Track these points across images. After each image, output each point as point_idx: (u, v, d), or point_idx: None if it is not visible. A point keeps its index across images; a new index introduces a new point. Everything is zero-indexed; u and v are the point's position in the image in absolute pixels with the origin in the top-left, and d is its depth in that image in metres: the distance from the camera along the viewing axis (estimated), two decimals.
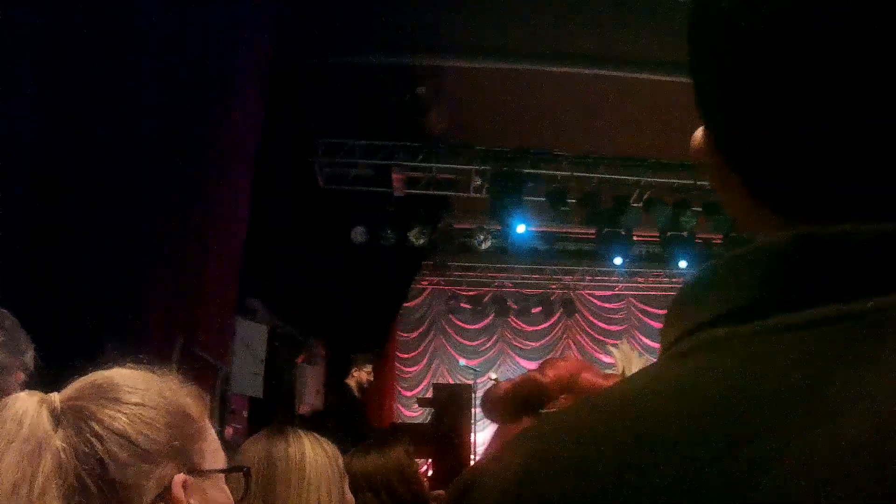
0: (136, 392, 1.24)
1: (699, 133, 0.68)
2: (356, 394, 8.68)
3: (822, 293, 0.53)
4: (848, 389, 0.48)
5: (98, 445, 1.16)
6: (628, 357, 1.81)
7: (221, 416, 6.11)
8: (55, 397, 1.22)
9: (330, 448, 2.40)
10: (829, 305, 0.52)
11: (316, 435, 2.44)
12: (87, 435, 1.16)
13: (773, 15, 0.58)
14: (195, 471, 1.24)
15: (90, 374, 1.27)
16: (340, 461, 2.42)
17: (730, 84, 0.61)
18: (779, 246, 0.56)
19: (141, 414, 1.21)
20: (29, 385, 2.18)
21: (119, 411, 1.20)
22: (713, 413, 0.50)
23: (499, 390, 1.83)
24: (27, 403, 1.19)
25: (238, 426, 6.57)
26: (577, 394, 1.80)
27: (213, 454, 1.30)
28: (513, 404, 1.77)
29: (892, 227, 0.54)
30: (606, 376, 1.88)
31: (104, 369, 1.28)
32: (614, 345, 1.82)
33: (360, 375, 8.85)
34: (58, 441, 1.15)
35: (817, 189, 0.59)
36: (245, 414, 6.89)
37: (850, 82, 0.56)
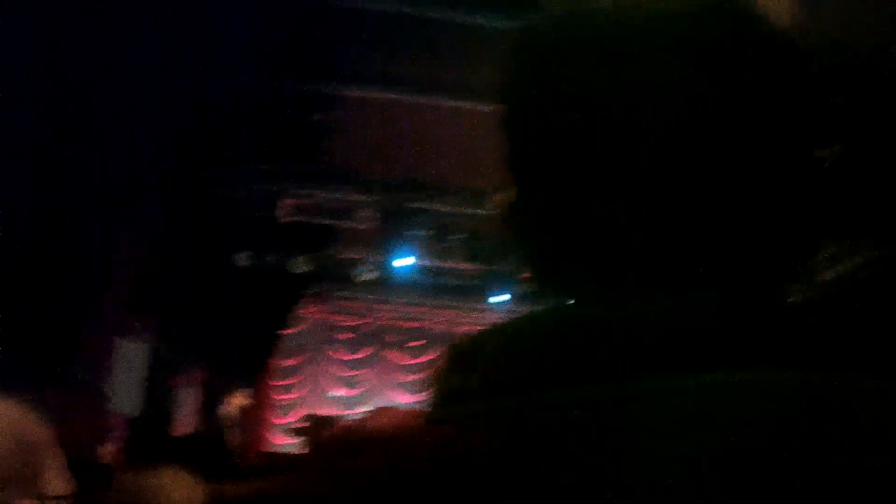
0: None
1: None
2: (230, 419, 8.58)
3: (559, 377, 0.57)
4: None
5: None
6: None
7: (100, 435, 6.00)
8: None
9: (193, 484, 2.42)
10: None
11: (183, 470, 2.45)
12: None
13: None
14: (41, 497, 1.23)
15: None
16: (200, 493, 2.43)
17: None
18: (527, 328, 0.62)
19: None
20: None
21: None
22: None
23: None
24: None
25: (116, 445, 6.45)
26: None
27: (59, 481, 1.29)
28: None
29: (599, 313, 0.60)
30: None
31: None
32: None
33: (235, 401, 8.76)
34: None
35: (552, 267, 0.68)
36: (123, 433, 6.77)
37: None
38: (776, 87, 0.63)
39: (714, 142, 0.61)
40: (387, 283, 12.01)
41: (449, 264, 12.00)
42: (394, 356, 15.32)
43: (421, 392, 15.53)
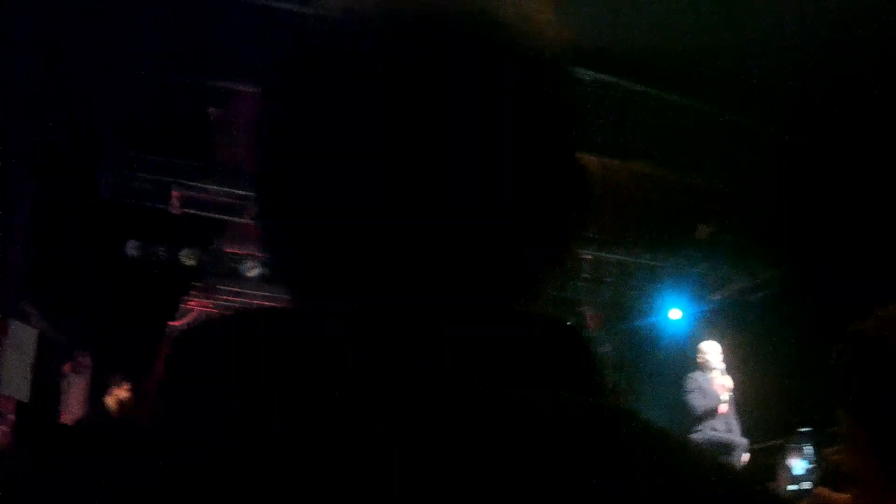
0: None
1: None
2: (114, 411, 8.57)
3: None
4: None
5: None
6: None
7: None
8: None
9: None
10: None
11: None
12: None
13: None
14: None
15: None
16: None
17: None
18: None
19: None
20: None
21: None
22: None
23: None
24: None
25: (4, 428, 6.48)
26: None
27: None
28: None
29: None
30: None
31: None
32: None
33: (119, 393, 8.73)
34: None
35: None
36: (11, 416, 6.77)
37: None
38: (526, 95, 0.61)
39: (453, 145, 0.60)
40: (272, 280, 11.97)
41: None
42: None
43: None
